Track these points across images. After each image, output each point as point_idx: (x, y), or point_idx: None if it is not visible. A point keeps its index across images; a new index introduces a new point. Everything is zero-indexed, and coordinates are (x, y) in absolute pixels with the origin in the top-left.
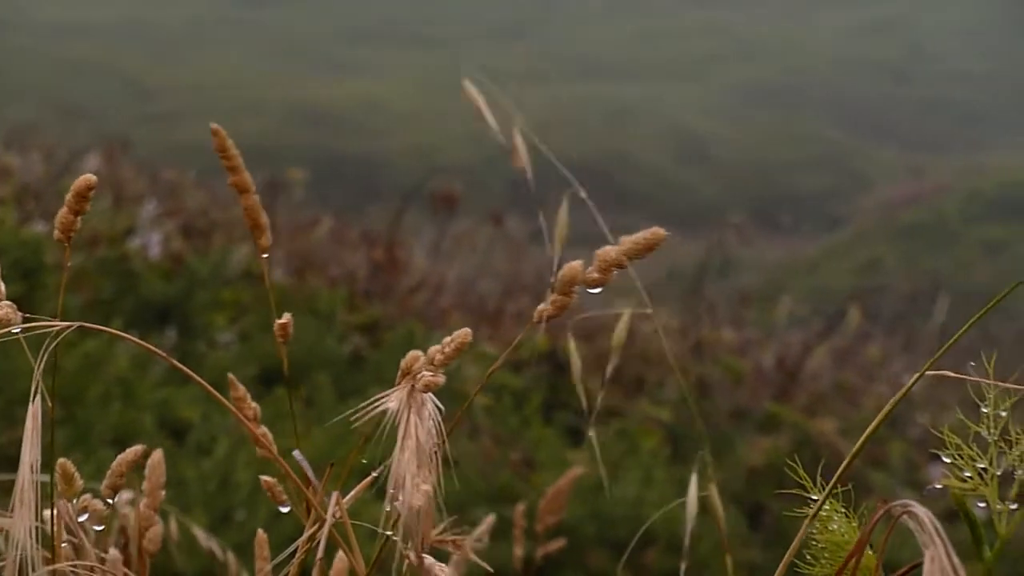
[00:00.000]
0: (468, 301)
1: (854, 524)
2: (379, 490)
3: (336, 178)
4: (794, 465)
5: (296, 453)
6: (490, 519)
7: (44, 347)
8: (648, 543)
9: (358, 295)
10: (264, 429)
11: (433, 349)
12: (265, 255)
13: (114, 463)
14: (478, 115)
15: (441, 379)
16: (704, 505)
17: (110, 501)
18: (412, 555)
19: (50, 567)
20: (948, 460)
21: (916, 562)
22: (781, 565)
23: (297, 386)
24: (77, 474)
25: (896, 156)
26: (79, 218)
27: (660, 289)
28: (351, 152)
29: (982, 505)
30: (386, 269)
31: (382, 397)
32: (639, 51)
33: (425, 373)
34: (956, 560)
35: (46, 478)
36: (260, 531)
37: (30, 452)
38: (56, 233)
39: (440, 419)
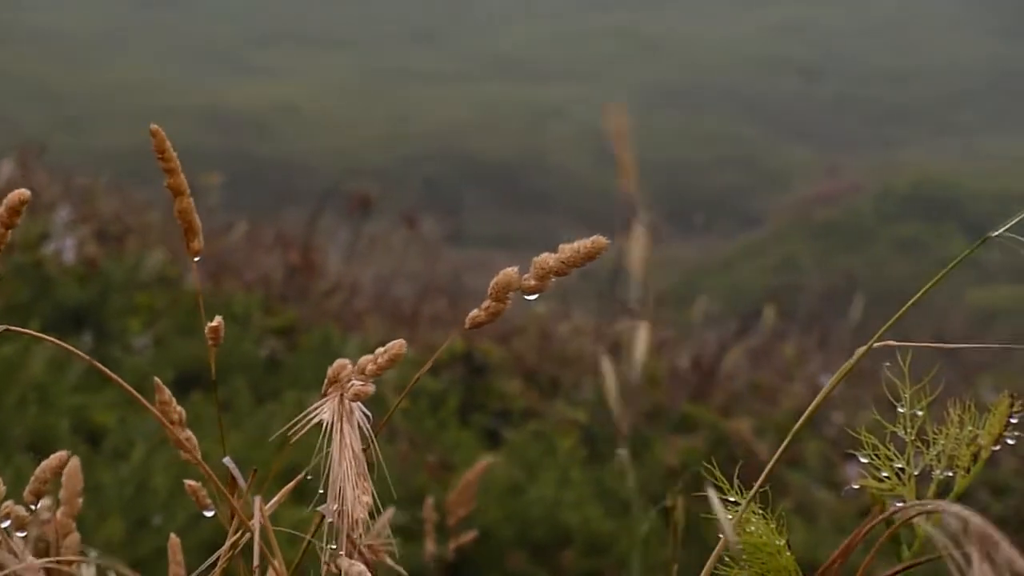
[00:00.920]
0: (384, 303)
1: (772, 526)
2: (299, 494)
3: (251, 181)
4: (710, 466)
5: (226, 460)
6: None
7: None
8: (566, 544)
9: (274, 298)
10: (189, 433)
11: (365, 359)
12: (197, 258)
13: (37, 469)
14: (394, 117)
15: (371, 389)
16: (625, 506)
17: (33, 507)
18: (344, 562)
19: None
20: (865, 460)
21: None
22: (705, 571)
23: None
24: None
25: (810, 155)
26: (9, 231)
27: (575, 290)
28: (266, 155)
29: (900, 504)
30: (302, 272)
31: (315, 407)
32: (552, 53)
33: (356, 382)
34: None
35: None
36: (173, 536)
37: None
38: None
39: (369, 427)
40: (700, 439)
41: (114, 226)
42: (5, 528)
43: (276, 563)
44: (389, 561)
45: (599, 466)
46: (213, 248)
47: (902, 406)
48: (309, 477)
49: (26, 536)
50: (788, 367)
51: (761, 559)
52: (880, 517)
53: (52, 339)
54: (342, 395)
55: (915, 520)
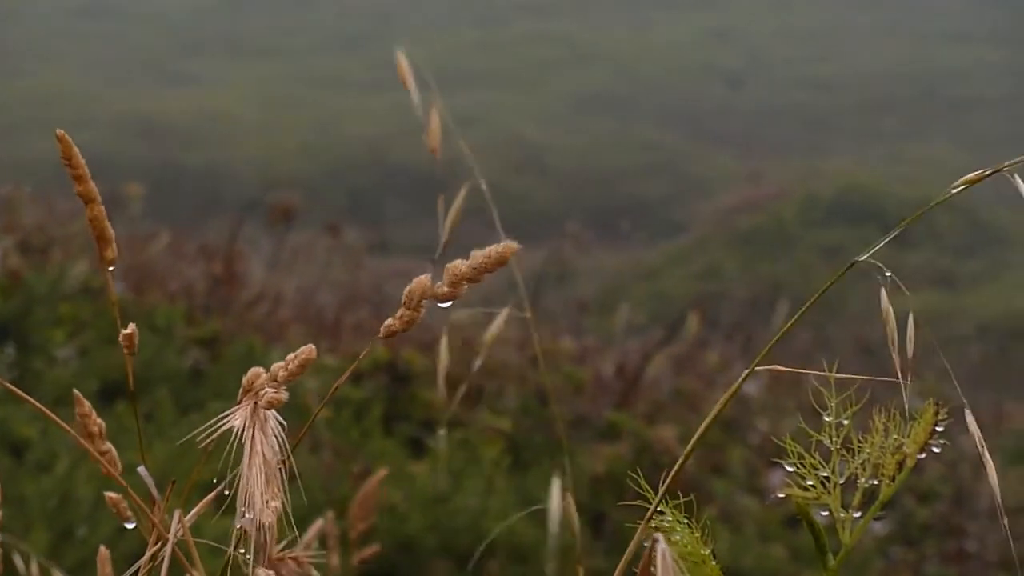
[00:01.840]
0: (307, 313)
1: (696, 535)
2: (221, 504)
3: (174, 191)
4: (635, 476)
5: (141, 469)
6: (317, 525)
7: None
8: (490, 553)
9: (197, 309)
10: (108, 445)
11: (276, 366)
12: (111, 267)
13: None
14: (318, 126)
15: (284, 396)
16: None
17: None
18: (261, 571)
19: None
20: (790, 469)
21: None
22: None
23: (137, 401)
24: None
25: (735, 162)
26: None
27: (498, 299)
28: (189, 165)
29: (825, 513)
30: (225, 282)
31: (226, 415)
32: (477, 60)
33: (268, 390)
34: None
35: None
36: (102, 548)
37: None
38: None
39: (284, 435)
40: (624, 447)
41: (37, 237)
42: None
43: (196, 575)
44: (314, 573)
45: (524, 475)
46: (136, 258)
47: (827, 414)
48: (227, 492)
49: None
50: (712, 374)
51: (686, 568)
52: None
53: None
54: (255, 403)
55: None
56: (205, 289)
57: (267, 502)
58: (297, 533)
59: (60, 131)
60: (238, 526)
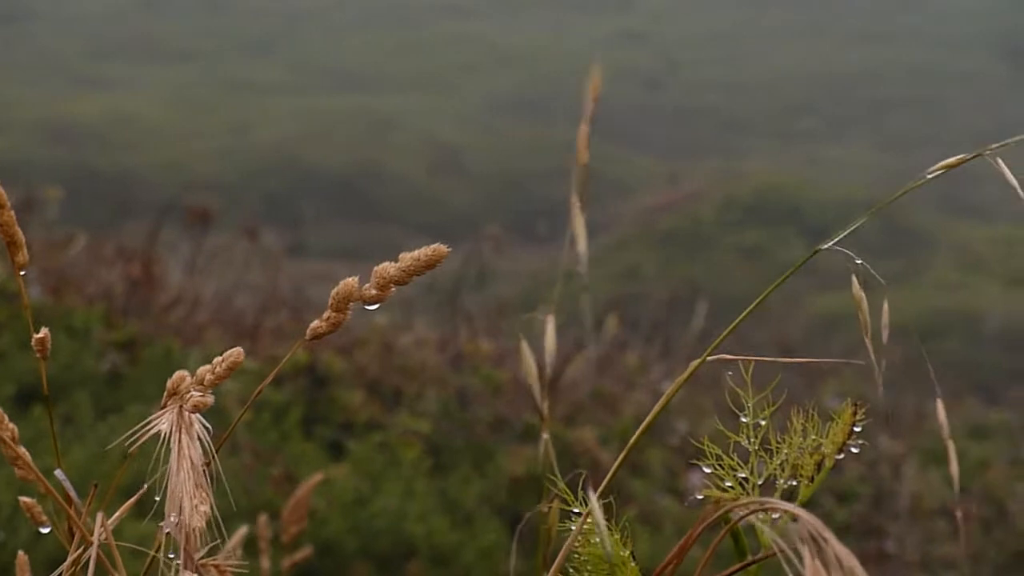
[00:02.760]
0: (225, 316)
1: (616, 536)
2: (142, 508)
3: (90, 195)
4: (554, 477)
5: (58, 473)
6: (242, 532)
7: None
8: (410, 555)
9: (115, 312)
10: (23, 450)
11: (203, 369)
12: (23, 271)
13: None
14: (234, 129)
15: (210, 400)
16: (468, 516)
17: None
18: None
19: None
20: (708, 470)
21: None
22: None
23: (56, 404)
24: None
25: (653, 163)
26: None
27: (417, 301)
28: (105, 168)
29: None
30: (143, 285)
31: (153, 419)
32: (393, 62)
33: (194, 393)
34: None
35: None
36: (21, 553)
37: None
38: None
39: (209, 438)
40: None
41: None
42: None
43: None
44: None
45: (443, 477)
46: (53, 262)
47: (745, 415)
48: (155, 498)
49: None
50: (631, 375)
51: (606, 570)
52: (715, 516)
53: None
54: (181, 407)
55: (750, 519)
56: (123, 292)
57: (195, 506)
58: (221, 537)
59: None
60: (167, 530)
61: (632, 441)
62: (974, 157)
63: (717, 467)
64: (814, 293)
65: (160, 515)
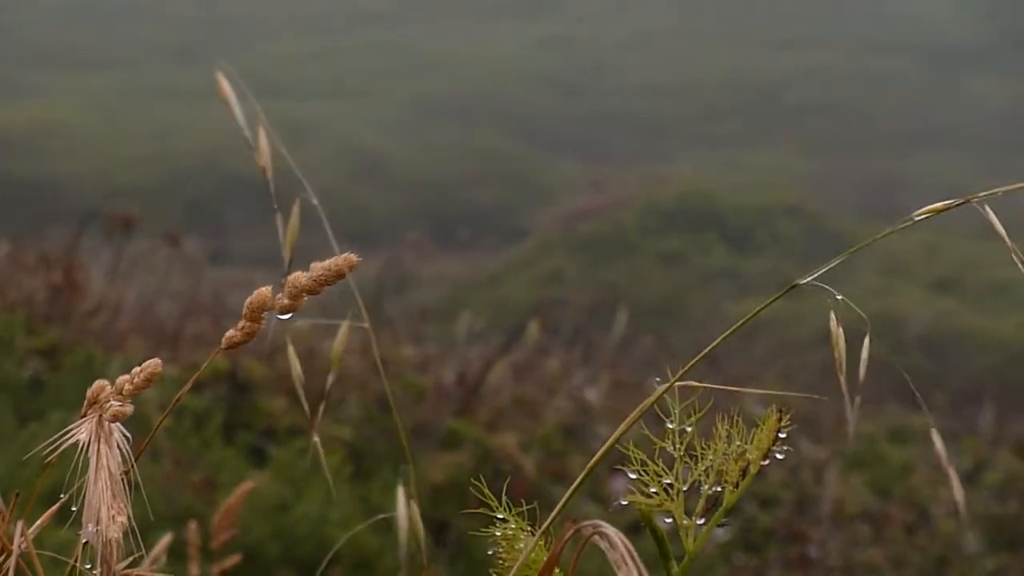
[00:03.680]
0: (147, 323)
1: (540, 543)
2: (63, 516)
3: (12, 202)
4: (478, 483)
5: None
6: (167, 540)
7: None
8: (333, 562)
9: (37, 319)
10: None
11: (122, 379)
12: None
13: None
14: (155, 136)
15: (130, 409)
16: (389, 523)
17: None
18: None
19: None
20: (633, 476)
21: None
22: None
23: None
24: None
25: (575, 169)
26: None
27: (338, 306)
28: (27, 175)
29: (668, 520)
30: (65, 292)
31: (72, 428)
32: (315, 69)
33: (113, 403)
34: None
35: None
36: None
37: None
38: None
39: (129, 446)
40: (466, 455)
41: None
42: None
43: None
44: None
45: (366, 483)
46: None
47: (671, 421)
48: (72, 508)
49: None
50: (552, 381)
51: None
52: (571, 533)
53: None
54: (100, 416)
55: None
56: (45, 299)
57: (113, 516)
58: (139, 546)
59: None
60: (85, 540)
61: (589, 467)
62: (962, 203)
63: (642, 473)
64: (735, 298)
65: (79, 524)
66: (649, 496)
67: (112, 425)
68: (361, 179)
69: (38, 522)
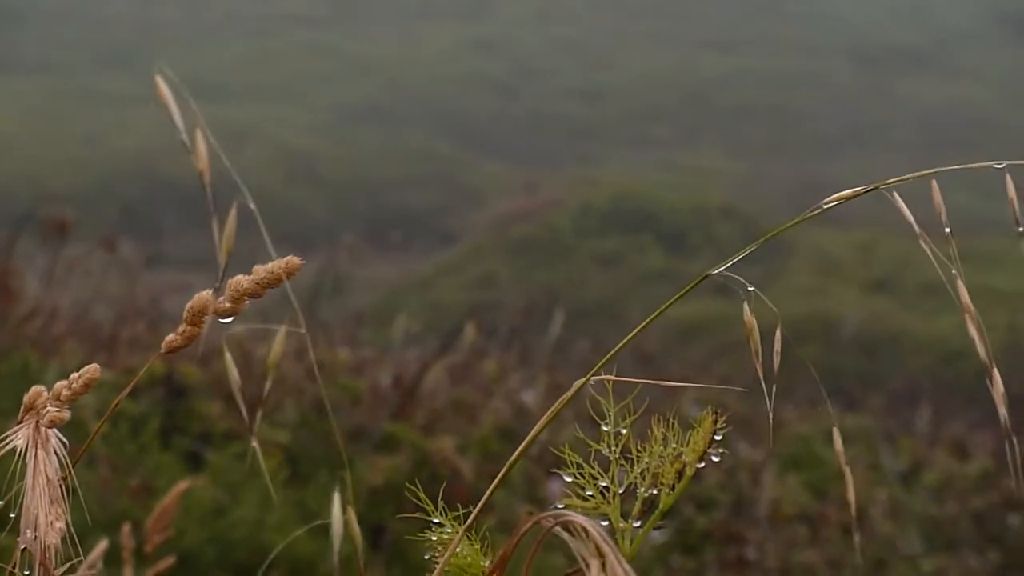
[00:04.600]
0: (83, 328)
1: (476, 546)
2: (1, 522)
3: None
4: (414, 488)
5: None
6: (103, 545)
7: None
8: (271, 566)
9: None
10: None
11: (60, 384)
12: None
13: None
14: (87, 141)
15: (67, 415)
16: (326, 528)
17: None
18: None
19: None
20: (569, 479)
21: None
22: None
23: None
24: None
25: (508, 171)
26: None
27: (272, 309)
28: None
29: (604, 523)
30: None
31: (9, 434)
32: (246, 72)
33: (51, 408)
34: (629, 568)
35: None
36: None
37: None
38: None
39: (66, 452)
40: (403, 458)
41: None
42: None
43: None
44: None
45: (302, 487)
46: None
47: (606, 424)
48: (7, 509)
49: None
50: (489, 384)
51: None
52: (525, 528)
53: None
54: (37, 422)
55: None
56: None
57: (51, 522)
58: (77, 552)
59: None
60: (23, 546)
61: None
62: (871, 190)
63: (578, 476)
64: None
65: (18, 530)
66: (585, 499)
67: (49, 431)
68: (294, 182)
69: None
